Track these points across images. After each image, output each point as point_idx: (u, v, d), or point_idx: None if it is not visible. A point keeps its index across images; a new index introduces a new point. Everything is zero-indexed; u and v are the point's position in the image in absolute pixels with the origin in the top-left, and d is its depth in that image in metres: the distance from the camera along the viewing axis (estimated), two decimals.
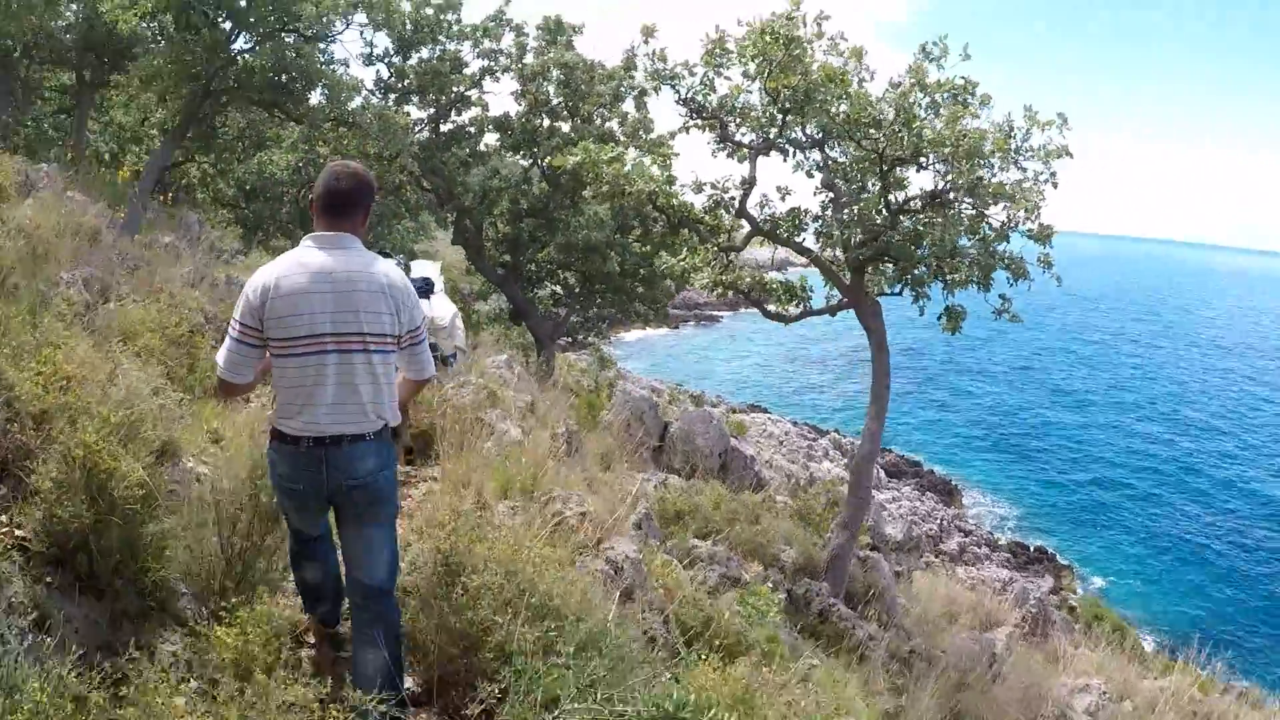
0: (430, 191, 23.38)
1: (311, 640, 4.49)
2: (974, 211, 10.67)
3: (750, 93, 11.10)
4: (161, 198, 23.55)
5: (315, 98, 17.68)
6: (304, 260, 3.75)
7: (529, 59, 22.71)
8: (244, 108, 18.71)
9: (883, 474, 33.92)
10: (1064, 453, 42.75)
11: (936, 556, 25.02)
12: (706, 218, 11.84)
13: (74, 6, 17.45)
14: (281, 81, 16.41)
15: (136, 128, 23.99)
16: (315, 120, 18.37)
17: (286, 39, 16.16)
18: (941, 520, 30.75)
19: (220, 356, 3.81)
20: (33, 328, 5.14)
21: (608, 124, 23.02)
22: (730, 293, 12.18)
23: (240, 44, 16.41)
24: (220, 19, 15.59)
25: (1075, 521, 34.55)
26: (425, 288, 7.67)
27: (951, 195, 10.62)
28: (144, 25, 15.22)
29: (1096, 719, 10.47)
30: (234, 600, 4.04)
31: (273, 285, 3.67)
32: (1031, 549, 30.72)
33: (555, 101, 22.72)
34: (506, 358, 12.14)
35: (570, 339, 28.85)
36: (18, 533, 3.85)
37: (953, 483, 36.20)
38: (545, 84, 22.73)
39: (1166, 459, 42.57)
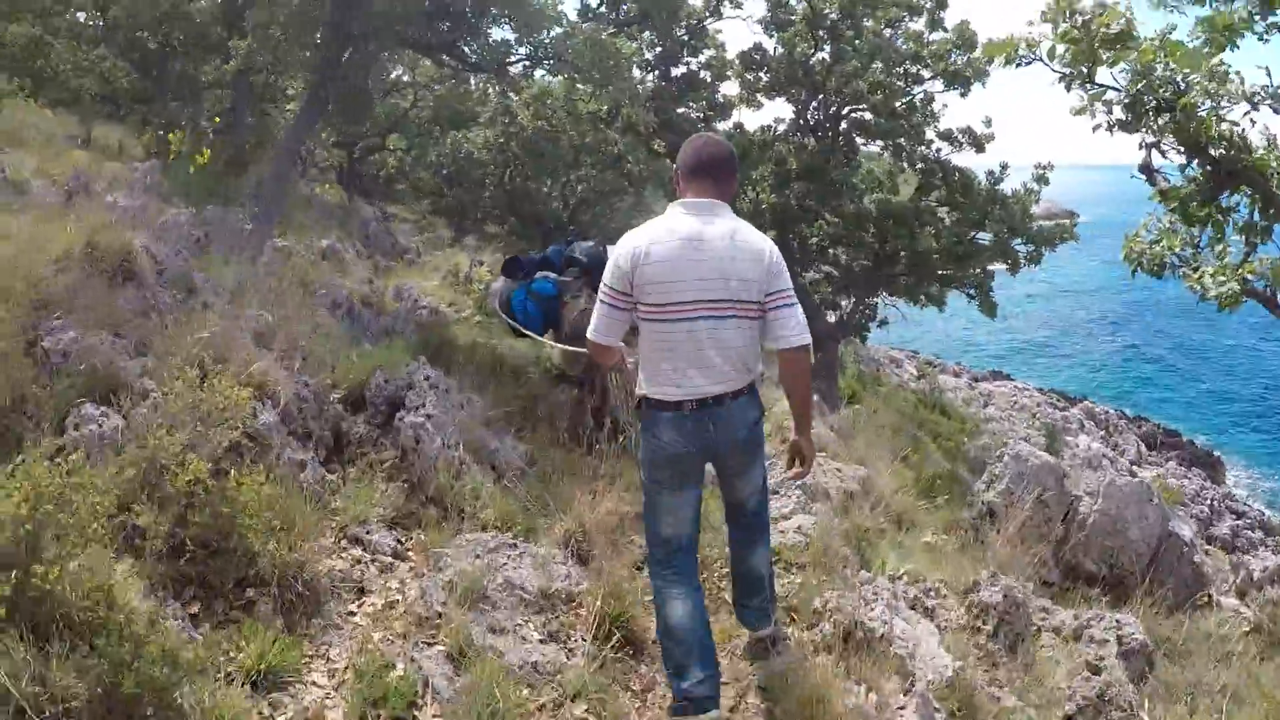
0: (663, 155, 17.24)
1: None
2: None
3: None
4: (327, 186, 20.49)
5: (498, 33, 13.08)
6: (674, 226, 3.82)
7: None
8: (395, 53, 12.85)
9: (1142, 446, 31.83)
10: None
11: (1210, 543, 21.97)
12: None
13: None
14: (437, 7, 11.65)
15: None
16: (498, 60, 12.23)
17: None
18: (1212, 500, 27.46)
19: (592, 319, 3.93)
20: None
21: (905, 43, 16.33)
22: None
23: None
24: None
25: None
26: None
27: None
28: None
29: None
30: None
31: (644, 251, 3.76)
32: None
33: (833, 17, 15.96)
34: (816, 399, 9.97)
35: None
36: None
37: (1216, 455, 32.99)
38: None
39: None
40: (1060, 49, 7.04)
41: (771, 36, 16.86)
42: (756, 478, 4.23)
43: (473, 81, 25.94)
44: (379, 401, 6.25)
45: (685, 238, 3.77)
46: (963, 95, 16.67)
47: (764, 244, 3.89)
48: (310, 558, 4.49)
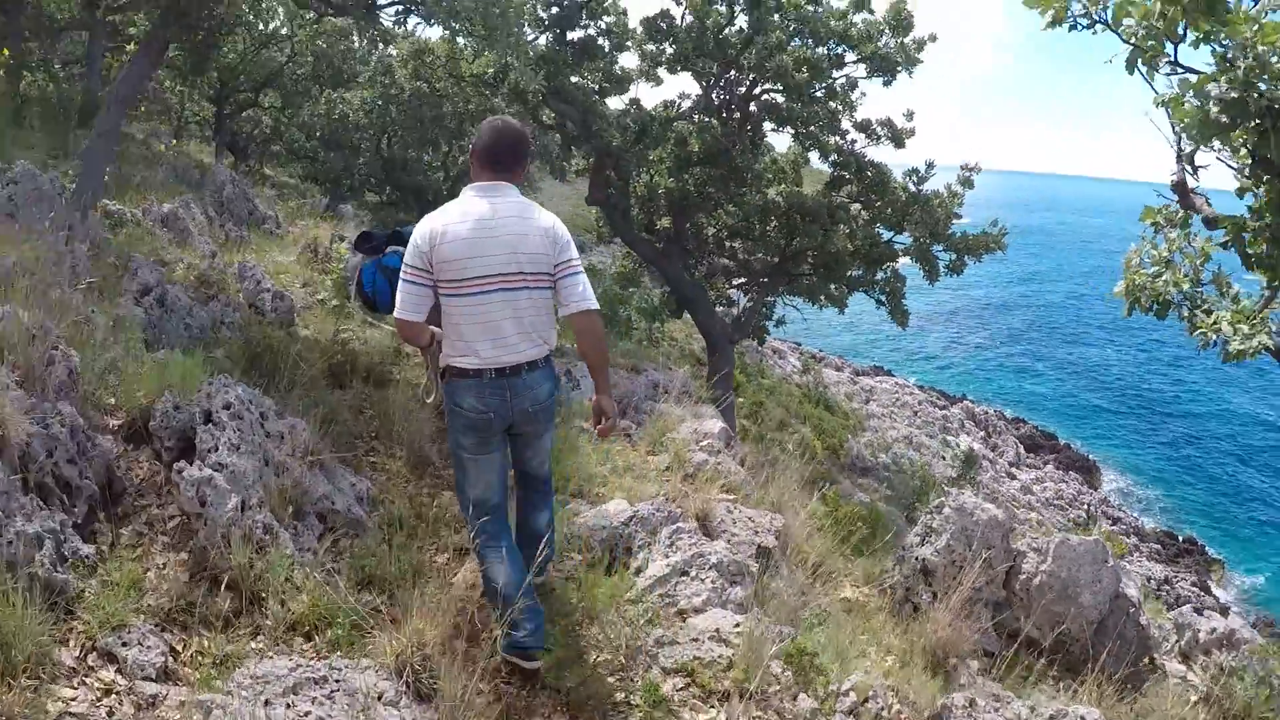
0: (551, 128, 15.67)
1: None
2: None
3: None
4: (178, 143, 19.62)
5: None
6: (467, 209, 4.11)
7: None
8: None
9: (1021, 448, 32.44)
10: (1201, 422, 39.84)
11: None
12: None
13: None
14: None
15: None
16: (365, 2, 10.77)
17: None
18: (1089, 505, 28.29)
19: (397, 298, 4.13)
20: None
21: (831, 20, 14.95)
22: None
23: None
24: None
25: (1223, 508, 31.64)
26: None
27: None
28: None
29: None
30: None
31: (440, 231, 4.04)
32: (1181, 540, 28.17)
33: None
34: (721, 427, 8.27)
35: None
36: None
37: (1092, 459, 33.80)
38: None
39: None
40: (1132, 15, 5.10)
41: (680, 3, 15.43)
42: (546, 445, 4.55)
43: (356, 40, 24.12)
44: (166, 435, 4.77)
45: (478, 218, 4.07)
46: (886, 84, 15.51)
47: (551, 220, 4.23)
48: (22, 709, 3.07)
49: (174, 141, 19.91)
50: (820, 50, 14.88)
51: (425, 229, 4.09)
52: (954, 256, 15.60)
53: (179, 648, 3.88)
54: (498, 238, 4.06)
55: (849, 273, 16.01)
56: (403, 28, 10.82)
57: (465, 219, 4.08)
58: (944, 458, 26.55)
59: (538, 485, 4.65)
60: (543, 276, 4.15)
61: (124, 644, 3.68)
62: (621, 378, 10.44)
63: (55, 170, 10.97)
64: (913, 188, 15.74)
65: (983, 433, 32.78)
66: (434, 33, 18.46)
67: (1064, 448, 34.37)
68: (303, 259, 12.46)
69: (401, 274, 4.12)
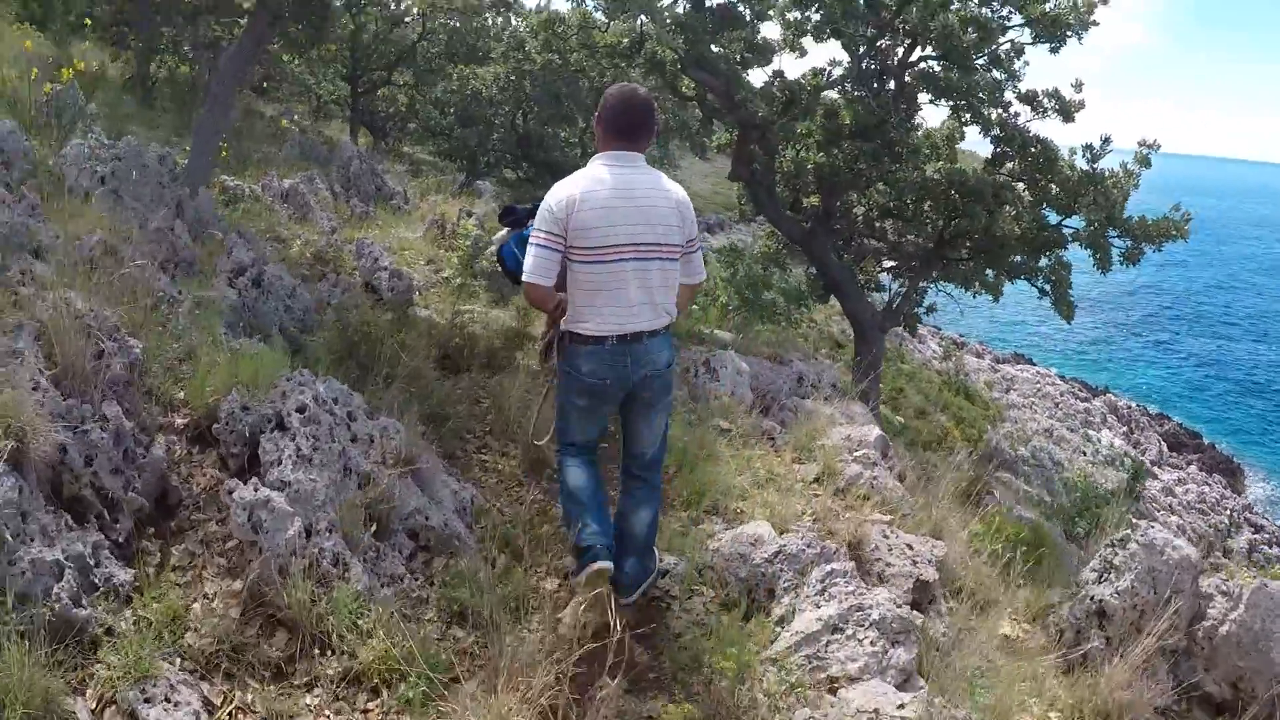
0: (691, 100, 14.66)
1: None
2: None
3: None
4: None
5: None
6: (601, 177, 4.05)
7: None
8: None
9: (1164, 446, 30.78)
10: None
11: (1225, 555, 20.55)
12: None
13: None
14: None
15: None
16: None
17: None
18: (1231, 511, 26.49)
19: (527, 263, 4.03)
20: None
21: None
22: None
23: None
24: None
25: None
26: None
27: None
28: None
29: None
30: None
31: (578, 198, 3.96)
32: None
33: None
34: (878, 435, 7.31)
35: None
36: None
37: (1237, 462, 31.58)
38: None
39: None
40: None
41: None
42: (658, 424, 4.44)
43: (488, 18, 23.65)
44: (232, 441, 4.08)
45: (614, 187, 4.02)
46: (1053, 51, 13.93)
47: (681, 193, 4.26)
48: None
49: (309, 122, 19.83)
50: (985, 10, 13.35)
51: (561, 194, 4.01)
52: (1130, 244, 13.93)
53: (217, 701, 3.16)
54: (636, 207, 4.04)
55: (1012, 258, 14.47)
56: None
57: (602, 186, 4.02)
58: (1084, 453, 25.20)
59: (643, 471, 4.50)
60: (674, 248, 4.17)
61: (147, 699, 3.00)
62: (764, 369, 9.46)
63: (175, 148, 10.68)
64: (1085, 166, 14.07)
65: (1125, 428, 31.21)
66: (562, 3, 17.79)
67: (1208, 448, 32.27)
68: (429, 235, 11.91)
69: (532, 238, 4.04)
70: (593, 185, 4.01)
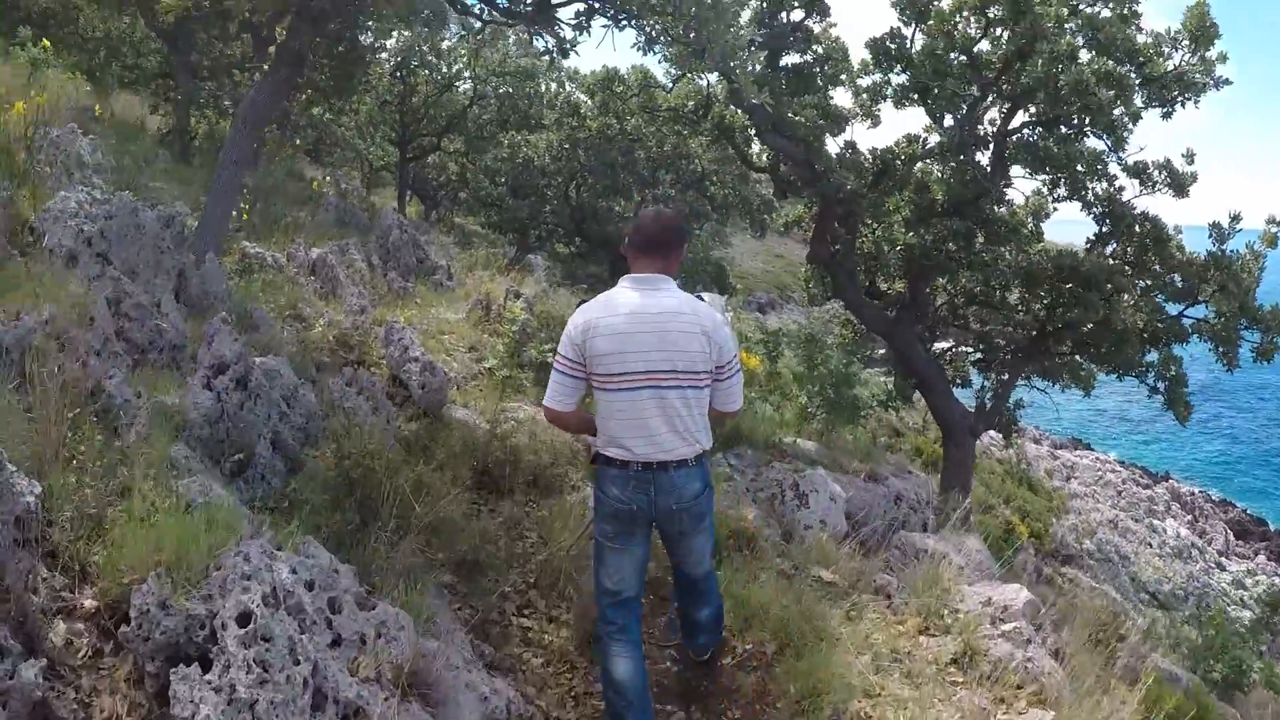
0: (763, 170, 13.37)
1: None
2: None
3: None
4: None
5: None
6: (622, 300, 3.97)
7: None
8: None
9: (1230, 534, 30.16)
10: None
11: None
12: None
13: None
14: None
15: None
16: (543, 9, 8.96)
17: None
18: None
19: (548, 388, 4.07)
20: None
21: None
22: None
23: None
24: None
25: None
26: None
27: None
28: None
29: None
30: None
31: (595, 324, 3.91)
32: None
33: None
34: (1028, 599, 5.61)
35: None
36: None
37: None
38: None
39: None
40: None
41: (908, 23, 12.76)
42: (700, 548, 4.31)
43: (542, 83, 22.77)
44: (147, 653, 2.68)
45: (631, 312, 3.91)
46: (1166, 116, 12.36)
47: (713, 320, 4.05)
48: None
49: (358, 186, 18.97)
50: (1110, 67, 11.82)
51: (580, 319, 3.98)
52: (1262, 336, 12.21)
53: None
54: (652, 334, 3.91)
55: (1125, 353, 12.77)
56: (585, 34, 8.62)
57: (619, 312, 3.94)
58: (1150, 544, 24.83)
59: (696, 585, 4.47)
60: (700, 376, 4.01)
61: None
62: (857, 489, 7.97)
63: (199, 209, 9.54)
64: (1212, 247, 12.41)
65: (1189, 516, 30.43)
66: (622, 60, 16.67)
67: (1275, 535, 31.23)
68: (473, 316, 10.60)
69: (555, 364, 4.03)
70: (610, 310, 3.92)
